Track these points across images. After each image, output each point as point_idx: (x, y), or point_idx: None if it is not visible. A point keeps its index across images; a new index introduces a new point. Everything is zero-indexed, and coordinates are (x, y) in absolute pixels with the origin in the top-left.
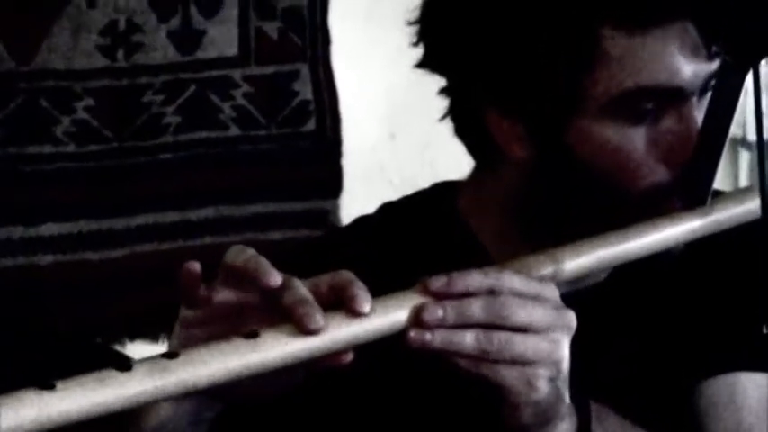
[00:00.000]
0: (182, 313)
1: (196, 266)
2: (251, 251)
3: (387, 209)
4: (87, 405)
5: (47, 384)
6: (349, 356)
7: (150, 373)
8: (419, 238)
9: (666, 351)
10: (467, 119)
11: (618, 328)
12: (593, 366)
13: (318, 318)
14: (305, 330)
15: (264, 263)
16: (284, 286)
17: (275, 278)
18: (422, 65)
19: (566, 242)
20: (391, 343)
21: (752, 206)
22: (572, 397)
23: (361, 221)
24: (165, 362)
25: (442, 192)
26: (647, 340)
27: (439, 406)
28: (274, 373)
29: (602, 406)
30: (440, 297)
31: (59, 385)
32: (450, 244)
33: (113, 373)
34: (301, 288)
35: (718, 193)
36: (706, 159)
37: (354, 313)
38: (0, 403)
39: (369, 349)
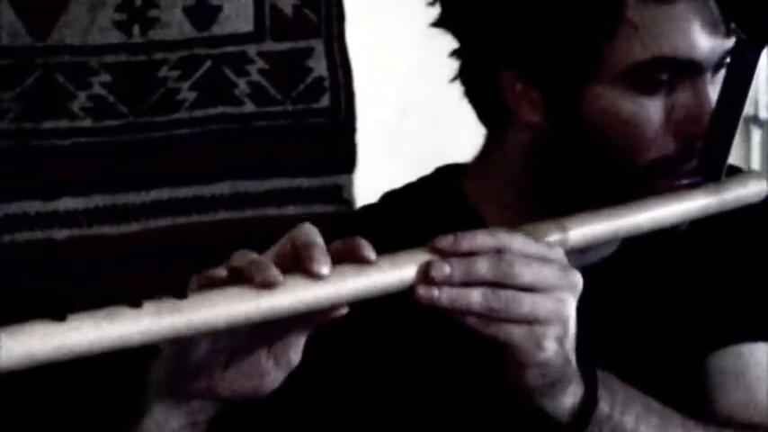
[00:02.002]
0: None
1: (221, 274)
2: (254, 255)
3: (389, 197)
4: (96, 338)
5: (58, 316)
6: (344, 310)
7: (159, 311)
8: (424, 225)
9: (676, 324)
10: (479, 81)
11: (626, 302)
12: (602, 341)
13: (326, 262)
14: (313, 274)
15: (265, 263)
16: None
17: (274, 276)
18: (438, 24)
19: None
20: (398, 311)
21: (762, 187)
22: (579, 363)
23: (369, 208)
24: (175, 301)
25: (447, 176)
26: (656, 314)
27: (448, 372)
28: (258, 367)
29: (609, 373)
30: (447, 255)
31: (70, 317)
32: (455, 227)
33: (124, 308)
34: (311, 235)
35: (733, 169)
36: (720, 136)
37: (361, 260)
38: (11, 332)
39: (375, 315)
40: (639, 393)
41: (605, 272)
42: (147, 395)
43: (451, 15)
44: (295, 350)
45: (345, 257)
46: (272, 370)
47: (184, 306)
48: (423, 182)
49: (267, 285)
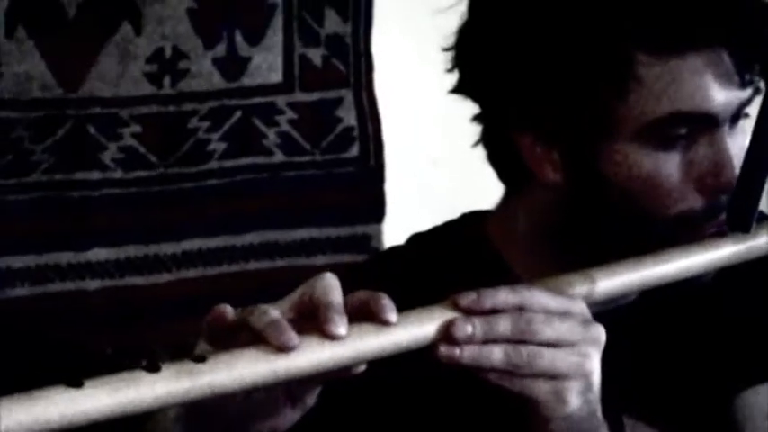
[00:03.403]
0: (200, 346)
1: (228, 311)
2: (271, 313)
3: (416, 239)
4: (114, 404)
5: (75, 382)
6: (363, 367)
7: (178, 375)
8: (449, 267)
9: (702, 365)
10: (500, 144)
11: (649, 346)
12: (627, 385)
13: (342, 323)
14: (330, 336)
15: (283, 326)
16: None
17: (291, 340)
18: (456, 90)
19: (597, 266)
20: (418, 358)
21: None
22: (605, 412)
23: (396, 250)
24: (193, 365)
25: (471, 221)
26: (682, 356)
27: (469, 422)
28: (274, 408)
29: (636, 420)
30: (468, 313)
31: (87, 383)
32: (481, 272)
33: (141, 373)
34: (329, 293)
35: (764, 216)
36: (750, 188)
37: (381, 322)
38: (28, 398)
39: (394, 364)
40: None
41: (628, 315)
42: (162, 428)
43: (468, 82)
44: (311, 395)
45: (366, 314)
46: (288, 412)
47: (203, 370)
48: (448, 226)
49: (284, 349)
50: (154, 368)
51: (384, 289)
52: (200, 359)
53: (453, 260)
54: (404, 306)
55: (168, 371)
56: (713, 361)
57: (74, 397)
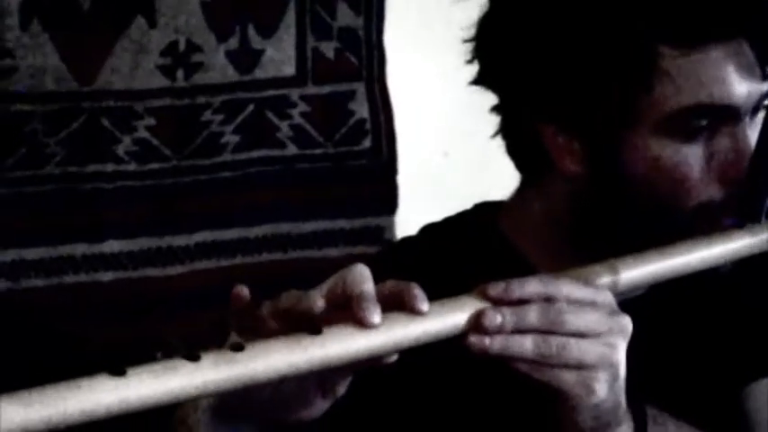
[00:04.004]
0: (231, 338)
1: (245, 291)
2: (305, 299)
3: (429, 230)
4: (156, 392)
5: (118, 370)
6: (394, 357)
7: (217, 363)
8: (462, 257)
9: (714, 355)
10: (520, 135)
11: (665, 335)
12: (644, 373)
13: (376, 312)
14: (365, 324)
15: (317, 315)
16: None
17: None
18: (476, 82)
19: (615, 257)
20: (448, 346)
21: None
22: (628, 401)
23: (408, 240)
24: (232, 354)
25: (484, 211)
26: (695, 346)
27: (498, 410)
28: (305, 397)
29: (658, 410)
30: (497, 303)
31: (130, 371)
32: (495, 262)
33: (182, 362)
34: (363, 282)
35: None
36: (760, 178)
37: (414, 311)
38: (72, 387)
39: (426, 353)
40: (689, 427)
41: (643, 306)
42: (191, 415)
43: (489, 73)
44: (343, 384)
45: (397, 304)
46: (319, 401)
47: (241, 359)
48: (461, 216)
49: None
50: (194, 357)
51: (395, 278)
52: (239, 348)
53: (466, 250)
54: None
55: (208, 360)
56: (724, 352)
57: (117, 386)
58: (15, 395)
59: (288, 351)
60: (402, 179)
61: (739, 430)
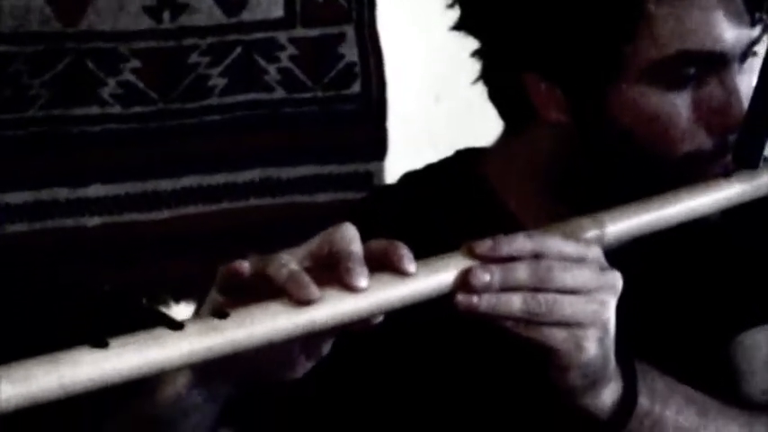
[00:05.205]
0: (212, 295)
1: (245, 267)
2: (290, 264)
3: (409, 178)
4: (140, 363)
5: (101, 342)
6: (379, 318)
7: (201, 332)
8: (443, 205)
9: (704, 306)
10: (502, 81)
11: (654, 287)
12: (632, 328)
13: (363, 274)
14: (352, 289)
15: (303, 280)
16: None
17: (312, 293)
18: (458, 27)
19: (600, 208)
20: (436, 305)
21: None
22: (617, 358)
23: (388, 189)
24: (216, 321)
25: (467, 158)
26: (684, 297)
27: (486, 369)
28: (289, 356)
29: (647, 366)
30: (485, 260)
31: (113, 343)
32: (477, 210)
33: (166, 332)
34: (349, 243)
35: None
36: (757, 125)
37: (400, 272)
38: (54, 360)
39: (412, 312)
40: (678, 384)
41: (631, 258)
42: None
43: (472, 18)
44: (327, 345)
45: (383, 265)
46: (302, 362)
47: (226, 326)
48: (442, 164)
49: (306, 303)
50: (177, 326)
51: (377, 228)
52: (223, 315)
53: (447, 198)
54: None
55: (192, 328)
56: (715, 302)
57: (100, 358)
58: None
59: (273, 317)
60: (392, 124)
61: (728, 382)
